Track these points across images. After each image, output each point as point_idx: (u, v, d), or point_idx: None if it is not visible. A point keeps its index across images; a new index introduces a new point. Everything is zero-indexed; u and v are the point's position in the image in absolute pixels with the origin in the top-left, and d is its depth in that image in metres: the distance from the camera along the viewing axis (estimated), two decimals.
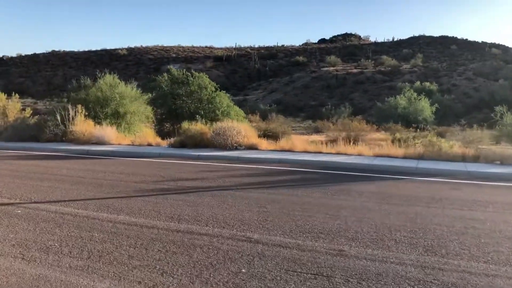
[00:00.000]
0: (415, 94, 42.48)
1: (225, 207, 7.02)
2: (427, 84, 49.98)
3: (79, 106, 17.19)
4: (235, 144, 15.09)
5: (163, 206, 7.04)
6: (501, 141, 21.40)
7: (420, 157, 13.16)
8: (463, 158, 12.84)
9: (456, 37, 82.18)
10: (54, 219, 6.22)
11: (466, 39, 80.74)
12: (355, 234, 5.61)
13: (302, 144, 14.89)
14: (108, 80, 19.11)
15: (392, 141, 17.01)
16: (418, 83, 50.22)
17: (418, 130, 37.41)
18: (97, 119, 17.92)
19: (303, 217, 6.42)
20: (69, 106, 17.28)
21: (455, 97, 48.69)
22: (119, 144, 16.76)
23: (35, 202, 7.25)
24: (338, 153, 14.14)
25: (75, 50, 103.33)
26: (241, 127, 15.38)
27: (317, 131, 36.85)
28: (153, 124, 20.93)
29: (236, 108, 37.01)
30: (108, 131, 16.70)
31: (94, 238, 5.33)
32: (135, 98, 19.38)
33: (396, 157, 13.37)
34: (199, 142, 15.59)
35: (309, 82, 63.72)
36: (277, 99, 59.28)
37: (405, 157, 13.27)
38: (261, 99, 61.15)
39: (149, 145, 16.42)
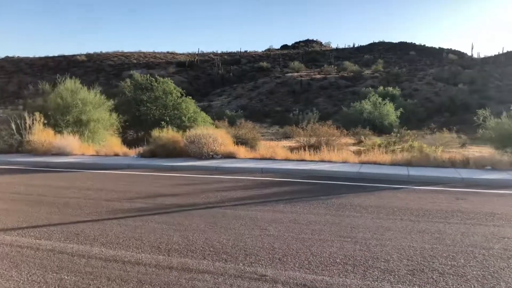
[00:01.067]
0: (380, 99, 42.47)
1: (219, 231, 5.88)
2: (390, 89, 50.22)
3: (37, 114, 15.54)
4: (211, 153, 13.90)
5: (145, 232, 5.82)
6: (483, 145, 21.07)
7: (408, 164, 12.40)
8: (453, 164, 12.17)
9: (414, 43, 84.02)
10: (9, 255, 4.91)
11: (424, 45, 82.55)
12: (387, 264, 4.60)
13: (284, 152, 13.88)
14: (69, 86, 17.49)
15: (372, 148, 16.26)
16: (381, 88, 50.40)
17: (390, 134, 37.32)
18: (57, 127, 16.29)
19: (316, 242, 5.37)
20: (26, 114, 15.60)
21: (417, 101, 49.10)
22: (82, 154, 15.22)
23: None
24: (322, 161, 13.20)
25: (31, 56, 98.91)
26: (217, 134, 14.22)
27: (286, 136, 36.06)
28: (117, 132, 19.38)
29: (203, 114, 35.79)
30: (70, 141, 15.14)
31: (64, 284, 4.08)
32: (98, 105, 17.83)
33: (383, 164, 12.57)
34: (172, 151, 14.30)
35: (274, 88, 63.06)
36: (243, 105, 58.27)
37: (392, 164, 12.48)
38: (226, 105, 59.98)
39: (116, 155, 14.97)
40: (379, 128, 39.53)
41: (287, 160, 13.50)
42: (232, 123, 37.96)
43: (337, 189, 9.38)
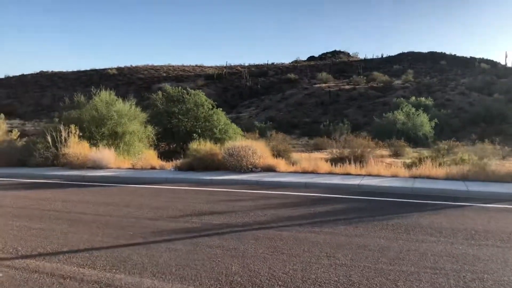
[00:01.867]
0: (413, 109, 41.15)
1: (282, 259, 5.12)
2: (423, 99, 48.78)
3: (73, 126, 15.15)
4: (250, 166, 13.19)
5: (199, 259, 5.10)
6: None
7: (464, 178, 11.39)
8: None
9: (444, 53, 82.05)
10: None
11: (455, 55, 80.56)
12: None
13: (327, 165, 13.04)
14: (104, 97, 17.11)
15: (419, 160, 15.21)
16: (413, 98, 48.96)
17: (427, 146, 35.97)
18: (92, 140, 15.87)
19: (400, 275, 4.55)
20: (61, 127, 15.24)
21: (451, 112, 47.48)
22: (118, 168, 14.72)
23: (22, 257, 5.27)
24: (369, 175, 12.31)
25: (64, 70, 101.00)
26: (256, 147, 13.50)
27: (317, 148, 35.17)
28: (152, 145, 18.88)
29: (234, 125, 35.28)
30: (105, 154, 14.67)
31: None
32: (134, 117, 17.38)
33: (437, 178, 11.58)
34: (209, 164, 13.65)
35: (302, 99, 62.28)
36: (271, 116, 57.65)
37: (447, 178, 11.48)
38: (255, 117, 59.47)
39: (153, 168, 14.42)
40: (413, 139, 38.12)
41: (330, 173, 12.66)
42: (262, 134, 37.34)
43: (395, 207, 8.49)
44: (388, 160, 26.46)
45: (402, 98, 51.08)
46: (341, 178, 11.95)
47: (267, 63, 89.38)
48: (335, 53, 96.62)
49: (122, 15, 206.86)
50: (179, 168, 13.94)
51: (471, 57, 76.33)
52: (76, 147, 15.04)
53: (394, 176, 12.05)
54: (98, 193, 10.46)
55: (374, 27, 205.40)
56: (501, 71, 63.30)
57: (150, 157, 15.05)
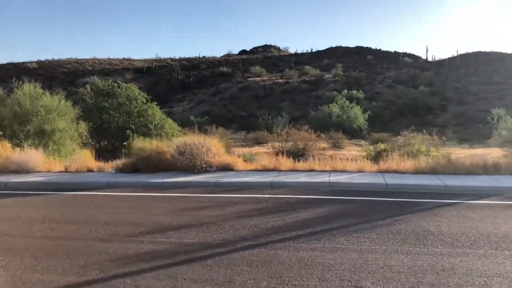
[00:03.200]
0: (347, 102, 41.46)
1: None
2: (354, 92, 49.47)
3: None
4: (204, 165, 11.69)
5: None
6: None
7: (434, 172, 10.72)
8: (485, 170, 10.59)
9: (370, 47, 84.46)
10: None
11: (380, 49, 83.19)
12: None
13: (289, 162, 11.87)
14: (28, 91, 14.68)
15: (378, 153, 14.54)
16: (345, 91, 49.49)
17: (361, 138, 36.19)
18: (15, 139, 13.51)
19: None
20: None
21: (381, 104, 48.58)
22: (48, 171, 12.57)
23: None
24: (334, 170, 11.32)
25: None
26: (210, 143, 12.02)
27: (257, 142, 34.17)
28: (84, 143, 16.65)
29: (170, 121, 33.32)
30: (32, 155, 12.46)
31: None
32: (64, 112, 15.11)
33: (406, 173, 10.82)
34: (157, 164, 11.97)
35: (237, 93, 61.08)
36: (205, 111, 55.95)
37: (416, 172, 10.76)
38: (188, 111, 57.45)
39: (90, 170, 12.44)
40: (349, 131, 38.26)
41: (294, 170, 11.52)
42: (200, 129, 35.65)
43: (383, 207, 7.49)
44: (330, 152, 26.03)
45: (334, 92, 51.54)
46: (307, 175, 10.83)
47: (199, 56, 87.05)
48: (266, 47, 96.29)
49: (42, 5, 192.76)
50: (121, 170, 12.12)
51: (395, 51, 79.24)
52: None
53: (360, 171, 11.15)
54: (27, 204, 8.50)
55: (303, 22, 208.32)
56: (423, 64, 66.17)
57: (85, 157, 13.02)
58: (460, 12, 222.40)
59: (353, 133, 38.60)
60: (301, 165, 11.67)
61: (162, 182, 10.60)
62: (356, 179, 10.19)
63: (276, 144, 25.49)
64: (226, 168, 11.94)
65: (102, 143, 28.22)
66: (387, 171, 11.03)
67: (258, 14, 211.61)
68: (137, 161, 12.06)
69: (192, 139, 11.97)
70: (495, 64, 57.53)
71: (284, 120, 41.23)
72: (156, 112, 30.52)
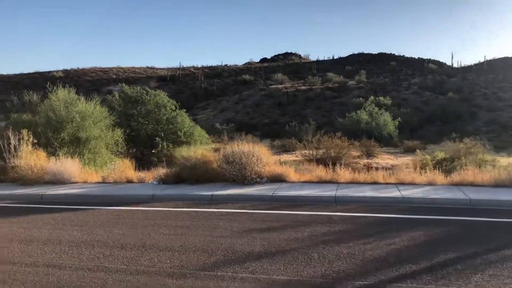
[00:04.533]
0: (376, 109, 39.93)
1: None
2: (381, 98, 47.89)
3: (24, 131, 11.75)
4: (253, 176, 10.48)
5: None
6: None
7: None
8: None
9: (393, 54, 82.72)
10: None
11: (403, 56, 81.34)
12: None
13: (347, 173, 10.57)
14: (62, 96, 13.70)
15: (438, 163, 13.10)
16: (372, 97, 47.95)
17: (394, 145, 34.63)
18: (49, 148, 12.50)
19: None
20: (9, 132, 11.80)
21: (409, 111, 46.88)
22: (85, 182, 11.50)
23: None
24: (401, 183, 9.98)
25: (4, 73, 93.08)
26: (261, 152, 10.82)
27: (285, 150, 32.91)
28: (120, 152, 15.58)
29: (199, 128, 32.31)
30: (68, 165, 11.42)
31: None
32: (99, 119, 14.09)
33: (483, 186, 9.44)
34: (203, 174, 10.80)
35: (259, 100, 60.00)
36: (229, 118, 55.01)
37: (496, 185, 9.36)
38: (212, 119, 56.61)
39: (129, 181, 11.33)
40: (378, 139, 36.74)
41: (354, 183, 10.21)
42: (231, 137, 34.57)
43: (491, 232, 6.15)
44: (364, 161, 24.65)
45: (361, 98, 50.08)
46: (372, 188, 9.52)
47: (221, 65, 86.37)
48: (287, 55, 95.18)
49: (68, 16, 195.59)
50: (163, 181, 10.98)
51: (419, 57, 77.31)
52: (30, 157, 11.67)
53: (431, 184, 9.79)
54: (68, 222, 7.37)
55: (323, 29, 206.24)
56: (448, 71, 64.14)
57: (125, 167, 11.92)
58: (484, 17, 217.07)
59: (383, 141, 37.06)
60: (362, 176, 10.35)
61: (212, 194, 9.41)
62: (431, 193, 8.84)
63: (306, 151, 24.25)
64: (277, 179, 10.70)
65: (130, 151, 27.35)
66: (462, 184, 9.64)
67: (279, 22, 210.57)
68: (181, 171, 10.91)
69: (241, 147, 10.76)
70: None
71: (312, 127, 39.92)
72: (185, 119, 29.57)
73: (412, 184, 9.88)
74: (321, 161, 21.61)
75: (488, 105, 47.61)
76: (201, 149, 11.53)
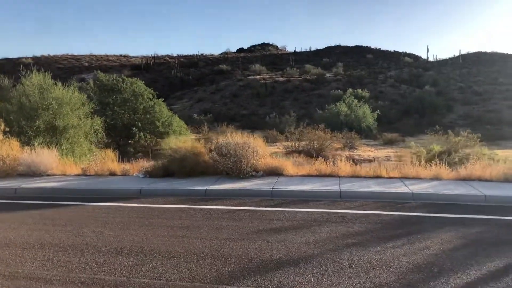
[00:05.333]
0: (355, 101, 39.70)
1: None
2: (359, 91, 47.71)
3: None
4: (249, 169, 9.73)
5: None
6: None
7: None
8: None
9: (370, 47, 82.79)
10: None
11: (379, 49, 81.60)
12: None
13: (348, 166, 9.95)
14: (37, 81, 12.53)
15: (434, 156, 12.61)
16: (350, 90, 47.72)
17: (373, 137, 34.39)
18: (23, 137, 11.40)
19: None
20: None
21: (388, 103, 46.93)
22: (63, 174, 10.50)
23: None
24: (405, 177, 9.43)
25: None
26: (256, 144, 10.07)
27: (266, 142, 32.12)
28: (99, 142, 14.50)
29: (177, 118, 31.27)
30: (44, 155, 10.38)
31: None
32: (77, 106, 12.98)
33: (492, 181, 8.98)
34: (193, 167, 9.97)
35: (237, 91, 59.05)
36: (206, 108, 53.90)
37: (507, 181, 8.92)
38: (189, 109, 55.36)
39: (112, 174, 10.39)
40: (357, 131, 36.53)
41: (355, 176, 9.60)
42: (210, 128, 33.62)
43: None
44: (345, 153, 24.25)
45: (339, 90, 49.84)
46: (376, 183, 8.93)
47: (197, 54, 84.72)
48: (264, 46, 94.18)
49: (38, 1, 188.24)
50: (150, 174, 10.11)
51: (395, 51, 77.71)
52: (1, 147, 10.58)
53: (437, 178, 9.27)
54: (49, 221, 6.45)
55: (300, 20, 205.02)
56: (424, 64, 64.72)
57: (108, 158, 10.95)
58: (460, 11, 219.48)
59: (362, 133, 36.86)
60: (363, 170, 9.76)
61: (206, 189, 8.63)
62: (441, 188, 8.31)
63: (288, 143, 23.73)
64: (274, 172, 9.98)
65: (105, 141, 26.23)
66: (469, 179, 9.16)
67: (255, 12, 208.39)
68: (170, 163, 10.05)
69: (235, 138, 9.99)
70: (498, 65, 56.19)
71: (292, 118, 39.36)
72: (163, 109, 28.53)
73: (417, 178, 9.35)
74: (303, 153, 21.09)
75: (463, 98, 48.17)
76: (190, 140, 10.64)
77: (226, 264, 4.45)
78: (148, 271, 4.28)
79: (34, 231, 5.84)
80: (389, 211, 6.88)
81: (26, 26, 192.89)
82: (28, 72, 12.74)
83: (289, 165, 10.16)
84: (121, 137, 26.18)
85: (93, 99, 25.26)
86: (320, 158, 10.89)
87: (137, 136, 24.78)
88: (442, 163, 10.01)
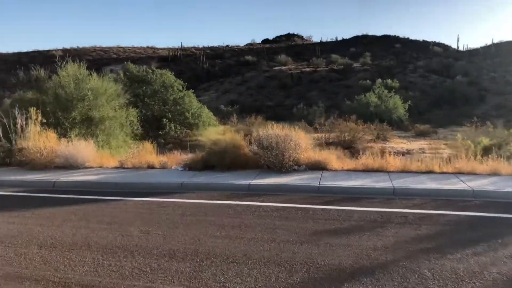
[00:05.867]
0: (386, 91, 38.56)
1: None
2: (389, 81, 46.44)
3: (33, 110, 10.41)
4: (291, 163, 9.23)
5: None
6: None
7: None
8: None
9: (398, 36, 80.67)
10: None
11: (408, 38, 79.40)
12: None
13: (397, 161, 9.33)
14: (72, 72, 12.28)
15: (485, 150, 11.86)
16: (379, 80, 46.52)
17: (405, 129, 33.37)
18: (59, 128, 11.18)
19: None
20: (16, 111, 10.45)
21: (419, 94, 45.55)
22: (100, 167, 10.22)
23: None
24: (459, 172, 8.76)
25: (4, 52, 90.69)
26: (299, 137, 9.56)
27: None
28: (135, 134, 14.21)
29: (206, 109, 30.94)
30: (81, 148, 10.12)
31: None
32: (113, 97, 12.70)
33: None
34: (234, 160, 9.54)
35: (263, 82, 58.41)
36: (232, 100, 53.51)
37: None
38: (215, 100, 55.08)
39: (150, 167, 10.05)
40: (388, 122, 35.45)
41: (405, 172, 8.99)
42: (226, 118, 33.17)
43: None
44: (378, 145, 23.49)
45: (367, 81, 48.67)
46: (430, 178, 8.31)
47: (223, 45, 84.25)
48: (289, 36, 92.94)
49: None
50: (189, 167, 9.72)
51: (424, 40, 75.52)
52: (39, 138, 10.36)
53: (495, 174, 8.57)
54: (91, 217, 6.11)
55: (325, 10, 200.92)
56: (454, 53, 62.66)
57: (146, 151, 10.61)
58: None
59: (392, 125, 35.78)
60: (414, 165, 9.12)
61: (249, 184, 8.18)
62: (502, 185, 7.64)
63: (318, 135, 23.10)
64: (316, 166, 9.45)
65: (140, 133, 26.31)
66: None
67: (280, 3, 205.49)
68: (209, 156, 9.64)
69: (277, 131, 9.49)
70: None
71: (321, 109, 38.55)
72: (193, 100, 28.25)
73: (473, 174, 8.67)
74: (334, 145, 20.45)
75: (496, 88, 46.34)
76: (230, 133, 10.17)
77: (293, 273, 3.98)
78: (208, 279, 3.85)
79: (78, 230, 5.50)
80: (452, 210, 6.29)
81: (54, 19, 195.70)
82: (64, 62, 12.49)
83: (333, 159, 9.61)
84: (151, 128, 26.07)
85: (127, 90, 25.23)
86: (361, 152, 10.35)
87: (167, 127, 24.61)
88: (498, 157, 9.29)
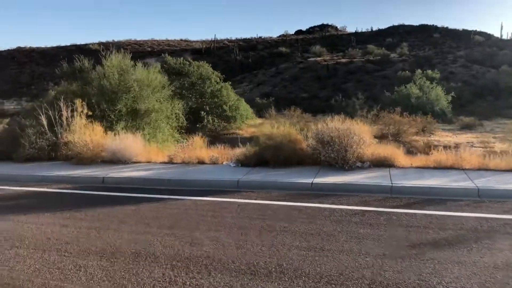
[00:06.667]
0: (428, 82, 36.87)
1: None
2: (429, 72, 44.48)
3: (78, 102, 9.96)
4: (354, 160, 8.41)
5: None
6: None
7: None
8: None
9: (436, 26, 77.64)
10: None
11: (447, 27, 76.30)
12: None
13: (474, 157, 8.36)
14: (117, 63, 11.79)
15: None
16: (419, 71, 44.63)
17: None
18: (105, 121, 10.72)
19: None
20: (61, 102, 10.02)
21: (461, 85, 43.49)
22: (149, 162, 9.68)
23: None
24: None
25: (43, 46, 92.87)
26: (361, 131, 8.72)
27: None
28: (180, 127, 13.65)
29: (243, 102, 30.32)
30: (129, 141, 9.61)
31: None
32: (158, 89, 12.15)
33: None
34: (290, 156, 8.79)
35: (298, 73, 57.29)
36: (266, 92, 52.70)
37: None
38: (249, 93, 54.41)
39: (200, 162, 9.43)
40: (430, 114, 33.79)
41: (484, 169, 8.01)
42: (267, 112, 32.41)
43: None
44: (424, 138, 22.30)
45: (406, 72, 46.84)
46: None
47: (256, 37, 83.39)
48: (322, 27, 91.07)
49: None
50: (241, 163, 9.04)
51: (463, 29, 72.33)
52: (85, 131, 9.91)
53: None
54: (149, 219, 5.50)
55: (360, 1, 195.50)
56: (497, 42, 59.67)
57: (196, 145, 9.99)
58: None
59: (435, 117, 34.14)
60: (493, 162, 8.12)
61: (311, 182, 7.41)
62: None
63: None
64: (382, 163, 8.58)
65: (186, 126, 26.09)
66: None
67: None
68: (263, 151, 8.91)
69: (338, 125, 8.66)
70: None
71: (360, 101, 37.29)
72: (230, 93, 27.66)
73: None
74: (378, 138, 19.46)
75: None
76: (285, 127, 9.40)
77: None
78: None
79: (138, 235, 4.89)
80: None
81: (89, 12, 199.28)
82: (108, 52, 12.02)
83: (400, 155, 8.71)
84: (189, 121, 25.71)
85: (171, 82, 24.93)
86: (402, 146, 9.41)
87: (205, 120, 24.11)
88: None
